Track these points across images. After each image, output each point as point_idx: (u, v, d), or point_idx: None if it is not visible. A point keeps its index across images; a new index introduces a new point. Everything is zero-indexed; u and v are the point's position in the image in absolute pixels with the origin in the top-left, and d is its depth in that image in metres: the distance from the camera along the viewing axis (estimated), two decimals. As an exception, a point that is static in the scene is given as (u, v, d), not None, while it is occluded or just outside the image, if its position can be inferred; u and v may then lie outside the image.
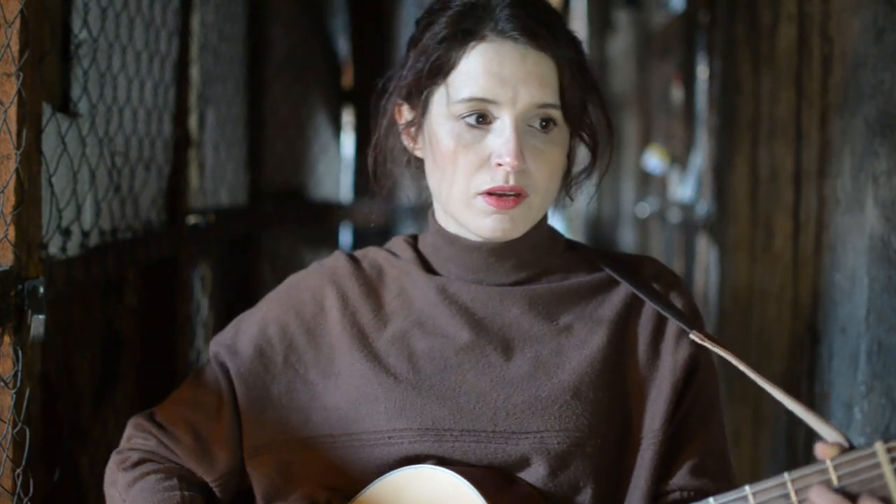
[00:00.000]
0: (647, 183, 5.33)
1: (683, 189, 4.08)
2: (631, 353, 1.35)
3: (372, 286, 1.40)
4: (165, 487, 1.30)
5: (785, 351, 2.20)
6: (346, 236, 3.78)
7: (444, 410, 1.30)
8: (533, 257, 1.38)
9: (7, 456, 1.32)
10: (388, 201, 3.30)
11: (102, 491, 1.35)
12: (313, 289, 1.40)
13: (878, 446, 1.07)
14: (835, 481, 1.09)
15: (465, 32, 1.30)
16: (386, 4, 4.24)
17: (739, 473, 2.65)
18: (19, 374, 1.33)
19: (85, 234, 1.66)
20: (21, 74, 1.29)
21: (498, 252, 1.35)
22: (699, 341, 1.31)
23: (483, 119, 1.29)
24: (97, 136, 1.71)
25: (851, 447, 1.11)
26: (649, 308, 1.37)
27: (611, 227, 7.11)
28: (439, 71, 1.31)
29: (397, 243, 1.45)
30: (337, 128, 3.95)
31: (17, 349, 1.32)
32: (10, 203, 1.30)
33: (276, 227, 3.17)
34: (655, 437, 1.31)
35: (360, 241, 3.52)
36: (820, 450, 1.12)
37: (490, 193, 1.28)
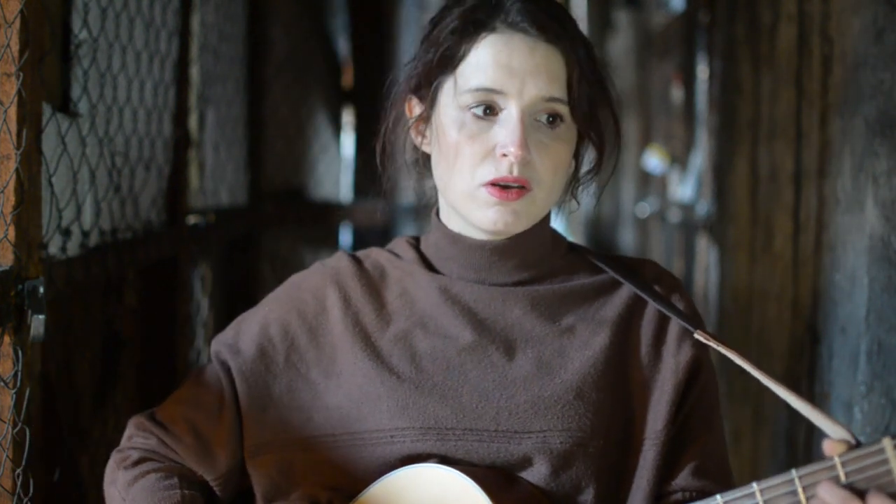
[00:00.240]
0: (647, 183, 5.33)
1: (683, 189, 4.08)
2: (633, 354, 1.36)
3: (374, 286, 1.40)
4: (166, 486, 1.30)
5: (785, 351, 2.20)
6: (346, 236, 3.78)
7: (446, 410, 1.30)
8: (535, 258, 1.38)
9: (7, 456, 1.32)
10: (390, 200, 3.30)
11: (102, 491, 1.35)
12: (315, 288, 1.40)
13: (886, 442, 1.07)
14: (843, 477, 1.09)
15: (476, 24, 1.31)
16: (386, 4, 4.24)
17: (740, 473, 2.65)
18: (19, 374, 1.32)
19: (85, 234, 1.66)
20: (21, 74, 1.29)
21: (501, 251, 1.35)
22: (704, 341, 1.31)
23: (490, 110, 1.29)
24: (97, 136, 1.71)
25: (858, 444, 1.11)
26: (651, 310, 1.37)
27: (611, 227, 7.11)
28: (449, 61, 1.31)
29: (399, 244, 1.45)
30: (337, 128, 3.95)
31: (17, 349, 1.32)
32: (10, 203, 1.30)
33: (276, 227, 3.17)
34: (658, 437, 1.32)
35: (361, 240, 3.51)
36: (827, 446, 1.12)
37: (493, 184, 1.28)
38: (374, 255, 1.44)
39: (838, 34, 1.83)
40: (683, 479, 1.33)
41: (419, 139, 1.39)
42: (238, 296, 2.78)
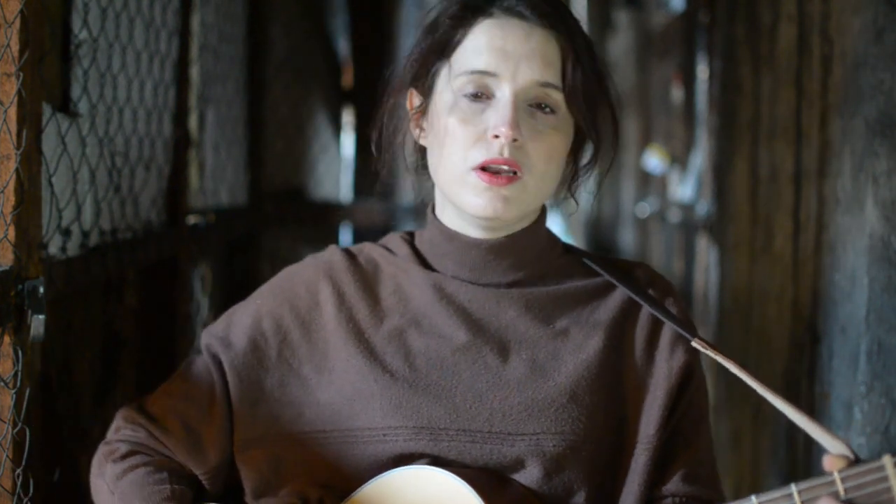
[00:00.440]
0: (647, 183, 5.33)
1: (683, 189, 4.08)
2: (627, 357, 1.35)
3: (368, 282, 1.39)
4: (155, 480, 1.29)
5: (785, 351, 2.20)
6: (346, 236, 3.78)
7: (440, 409, 1.29)
8: (530, 258, 1.38)
9: (7, 456, 1.32)
10: (389, 200, 3.30)
11: (102, 491, 1.35)
12: (308, 283, 1.40)
13: (887, 460, 1.07)
14: (842, 493, 1.09)
15: (473, 9, 1.31)
16: (386, 4, 4.24)
17: (740, 474, 2.65)
18: (19, 374, 1.32)
19: (85, 234, 1.66)
20: (21, 74, 1.29)
21: (497, 250, 1.35)
22: (702, 349, 1.31)
23: (483, 94, 1.29)
24: (97, 136, 1.70)
25: (857, 459, 1.11)
26: (645, 314, 1.37)
27: (611, 227, 7.11)
28: (445, 47, 1.31)
29: (393, 240, 1.45)
30: (337, 128, 3.95)
31: (17, 349, 1.32)
32: (10, 203, 1.30)
33: (276, 227, 3.17)
34: (650, 442, 1.32)
35: (361, 241, 3.51)
36: (827, 461, 1.12)
37: (484, 169, 1.27)
38: (367, 251, 1.43)
39: (838, 34, 1.83)
40: (674, 484, 1.33)
41: (417, 132, 1.39)
42: (238, 296, 2.77)
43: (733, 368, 1.29)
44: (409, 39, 3.67)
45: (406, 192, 3.03)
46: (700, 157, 3.65)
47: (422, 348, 1.33)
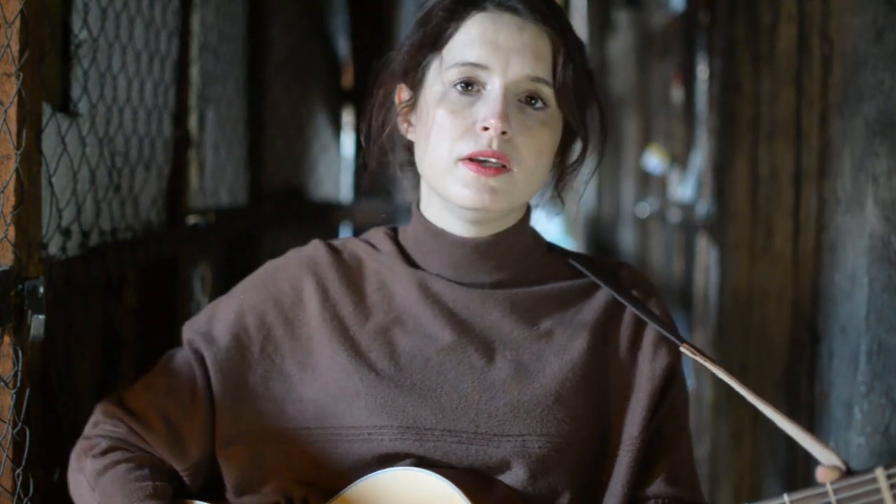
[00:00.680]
0: (647, 183, 5.33)
1: (683, 189, 4.08)
2: (611, 359, 1.35)
3: (352, 278, 1.38)
4: (137, 477, 1.28)
5: (785, 351, 2.20)
6: (346, 236, 3.78)
7: (425, 409, 1.29)
8: (515, 257, 1.37)
9: (7, 456, 1.32)
10: (389, 199, 3.30)
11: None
12: (292, 278, 1.38)
13: (879, 472, 1.08)
14: None
15: (466, 3, 1.31)
16: (386, 4, 4.24)
17: (739, 475, 2.65)
18: (19, 374, 1.32)
19: (85, 234, 1.66)
20: (21, 74, 1.29)
21: (483, 249, 1.35)
22: (691, 355, 1.31)
23: (473, 86, 1.29)
24: (97, 136, 1.70)
25: (849, 471, 1.12)
26: (629, 314, 1.37)
27: (611, 227, 7.11)
28: (437, 40, 1.31)
29: (376, 235, 1.44)
30: (337, 128, 3.95)
31: (17, 349, 1.32)
32: (10, 203, 1.30)
33: (276, 227, 3.17)
34: (633, 444, 1.32)
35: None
36: (821, 473, 1.13)
37: (472, 160, 1.27)
38: (350, 246, 1.42)
39: (838, 34, 1.83)
40: (657, 486, 1.33)
41: (406, 126, 1.38)
42: (238, 296, 2.77)
43: (720, 374, 1.29)
44: (409, 39, 3.68)
45: (407, 192, 3.03)
46: (700, 157, 3.65)
47: (406, 347, 1.32)
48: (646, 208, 5.17)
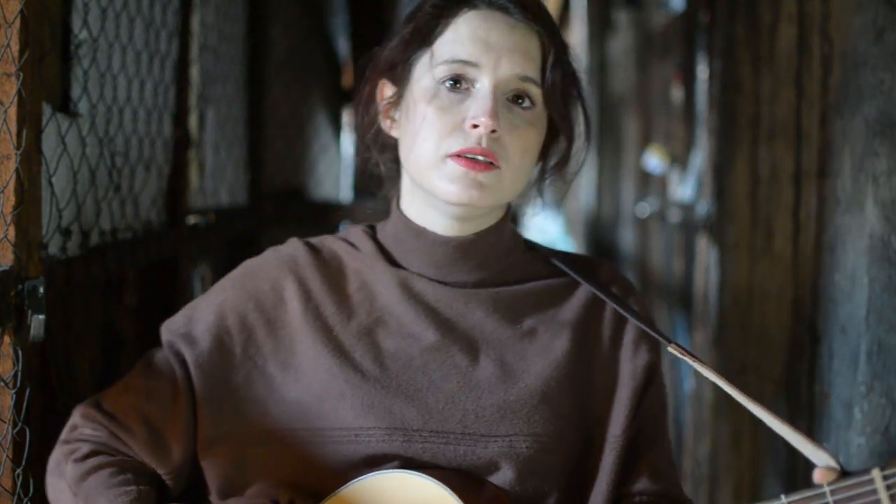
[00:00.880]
0: (647, 183, 5.32)
1: (683, 189, 4.08)
2: (594, 357, 1.36)
3: (333, 278, 1.37)
4: (120, 482, 1.26)
5: (785, 351, 2.20)
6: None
7: (412, 411, 1.28)
8: (496, 256, 1.37)
9: (7, 456, 1.32)
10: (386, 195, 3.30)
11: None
12: (272, 279, 1.37)
13: (875, 473, 1.08)
14: None
15: (456, 0, 1.31)
16: (386, 4, 4.24)
17: (739, 475, 2.65)
18: (19, 374, 1.32)
19: (85, 234, 1.66)
20: (21, 74, 1.29)
21: (465, 248, 1.34)
22: (679, 355, 1.31)
23: (464, 84, 1.29)
24: (97, 136, 1.70)
25: (843, 471, 1.12)
26: (609, 312, 1.37)
27: (611, 227, 7.10)
28: (427, 36, 1.31)
29: (355, 233, 1.43)
30: (337, 128, 3.95)
31: (17, 349, 1.32)
32: (10, 203, 1.30)
33: (276, 227, 3.17)
34: (617, 442, 1.32)
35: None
36: (818, 474, 1.13)
37: (460, 156, 1.26)
38: (329, 244, 1.41)
39: (838, 34, 1.83)
40: (642, 483, 1.34)
41: (388, 123, 1.38)
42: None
43: (706, 372, 1.29)
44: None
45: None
46: (700, 157, 3.65)
47: (391, 348, 1.32)
48: (646, 208, 5.16)
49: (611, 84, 7.19)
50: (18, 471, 1.32)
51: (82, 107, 1.67)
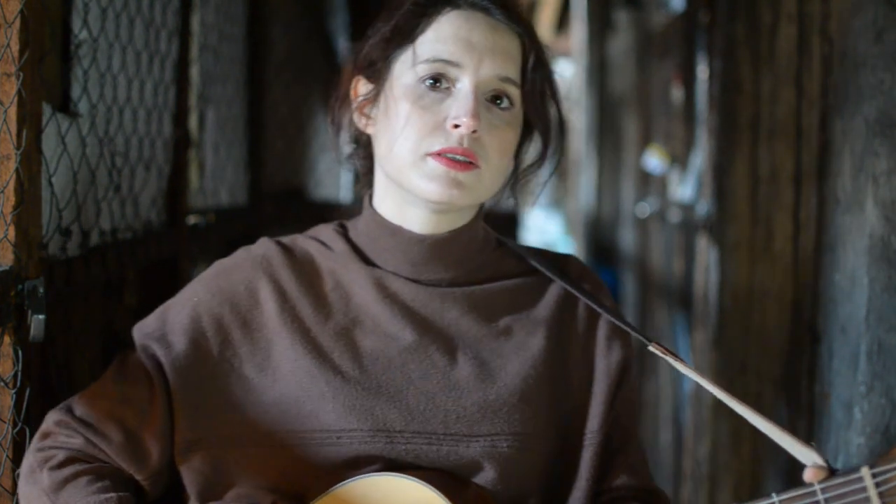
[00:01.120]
0: (647, 183, 5.32)
1: (683, 189, 4.08)
2: (568, 353, 1.37)
3: (308, 278, 1.36)
4: (98, 489, 1.24)
5: (785, 351, 2.20)
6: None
7: (394, 412, 1.28)
8: (470, 254, 1.37)
9: (7, 456, 1.32)
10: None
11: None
12: (247, 280, 1.36)
13: (865, 471, 1.09)
14: None
15: (438, 0, 1.31)
16: (386, 4, 4.23)
17: (740, 474, 2.65)
18: (19, 374, 1.32)
19: (85, 234, 1.66)
20: (21, 74, 1.30)
21: (439, 247, 1.34)
22: (661, 354, 1.31)
23: (444, 83, 1.29)
24: (97, 136, 1.70)
25: (832, 470, 1.13)
26: (582, 308, 1.38)
27: (611, 227, 7.10)
28: (407, 35, 1.31)
29: (325, 232, 1.42)
30: (337, 128, 3.94)
31: (17, 349, 1.32)
32: (10, 203, 1.30)
33: (276, 227, 3.17)
34: (594, 437, 1.33)
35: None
36: (807, 474, 1.14)
37: (441, 155, 1.27)
38: (300, 244, 1.41)
39: (838, 34, 1.83)
40: (620, 478, 1.35)
41: (363, 121, 1.37)
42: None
43: (685, 369, 1.30)
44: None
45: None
46: (700, 157, 3.65)
47: (368, 348, 1.31)
48: (646, 208, 5.16)
49: (611, 84, 7.19)
50: (18, 471, 1.32)
51: (82, 107, 1.67)
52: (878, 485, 1.08)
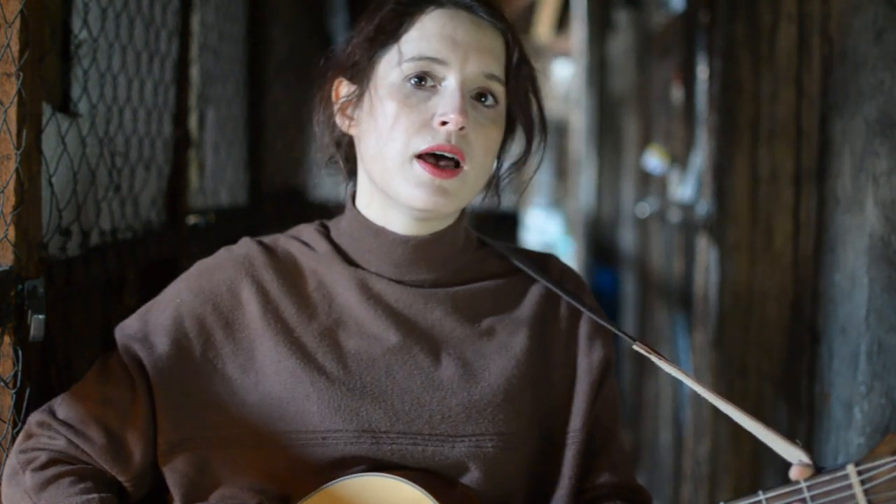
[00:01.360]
0: (647, 183, 5.32)
1: (683, 189, 4.08)
2: (551, 353, 1.37)
3: (291, 278, 1.36)
4: (81, 490, 1.24)
5: (785, 351, 2.20)
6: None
7: (379, 412, 1.27)
8: (453, 255, 1.37)
9: (7, 455, 1.32)
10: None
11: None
12: (229, 281, 1.35)
13: (850, 468, 1.10)
14: (809, 502, 1.11)
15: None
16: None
17: (739, 473, 2.65)
18: (19, 374, 1.32)
19: (85, 234, 1.66)
20: (21, 74, 1.30)
21: (423, 248, 1.34)
22: (645, 353, 1.32)
23: (430, 81, 1.29)
24: (97, 136, 1.70)
25: (818, 467, 1.13)
26: (564, 307, 1.38)
27: (611, 227, 7.11)
28: (392, 33, 1.31)
29: (307, 232, 1.42)
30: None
31: (17, 349, 1.32)
32: (10, 203, 1.30)
33: (276, 227, 3.17)
34: (577, 436, 1.33)
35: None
36: (794, 472, 1.14)
37: (428, 156, 1.26)
38: (282, 244, 1.40)
39: (838, 34, 1.83)
40: (602, 476, 1.36)
41: (346, 123, 1.36)
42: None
43: (668, 367, 1.30)
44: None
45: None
46: (700, 157, 3.65)
47: (352, 349, 1.31)
48: (646, 208, 5.16)
49: (611, 84, 7.19)
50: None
51: (82, 107, 1.67)
52: (863, 482, 1.09)
